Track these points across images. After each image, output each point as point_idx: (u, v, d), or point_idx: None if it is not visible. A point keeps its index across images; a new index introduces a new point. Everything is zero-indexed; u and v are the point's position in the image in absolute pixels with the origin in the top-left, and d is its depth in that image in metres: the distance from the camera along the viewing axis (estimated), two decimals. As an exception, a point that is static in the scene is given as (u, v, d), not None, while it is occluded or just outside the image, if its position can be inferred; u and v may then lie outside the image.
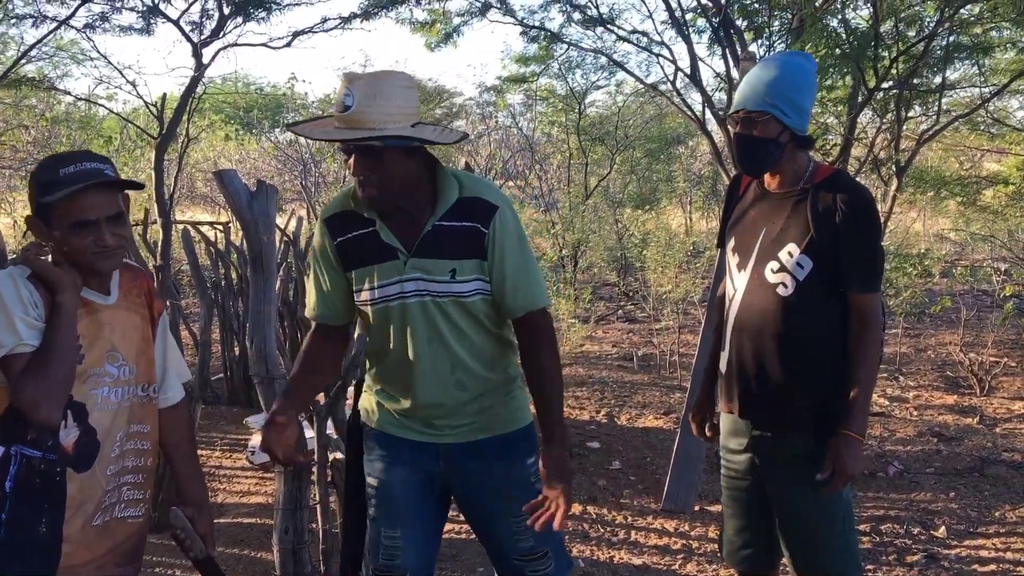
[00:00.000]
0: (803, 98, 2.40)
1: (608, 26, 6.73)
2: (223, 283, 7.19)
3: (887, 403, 6.70)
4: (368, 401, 2.47)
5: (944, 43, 5.35)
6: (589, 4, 6.64)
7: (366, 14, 7.94)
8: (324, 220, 2.33)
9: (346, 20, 8.76)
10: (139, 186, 2.09)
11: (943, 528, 4.33)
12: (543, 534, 2.29)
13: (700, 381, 2.89)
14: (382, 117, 2.09)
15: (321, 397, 3.56)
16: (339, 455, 3.45)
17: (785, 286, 2.40)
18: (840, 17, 5.48)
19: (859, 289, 2.37)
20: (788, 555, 2.54)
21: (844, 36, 5.16)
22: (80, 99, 12.42)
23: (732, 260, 2.57)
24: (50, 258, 1.92)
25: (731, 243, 2.59)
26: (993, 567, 3.92)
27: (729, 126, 2.49)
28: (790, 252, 2.39)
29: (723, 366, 2.61)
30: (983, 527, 4.37)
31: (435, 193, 2.24)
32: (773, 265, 2.42)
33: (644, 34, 6.74)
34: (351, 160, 2.14)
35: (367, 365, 2.49)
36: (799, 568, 2.53)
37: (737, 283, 2.54)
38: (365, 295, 2.28)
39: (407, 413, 2.37)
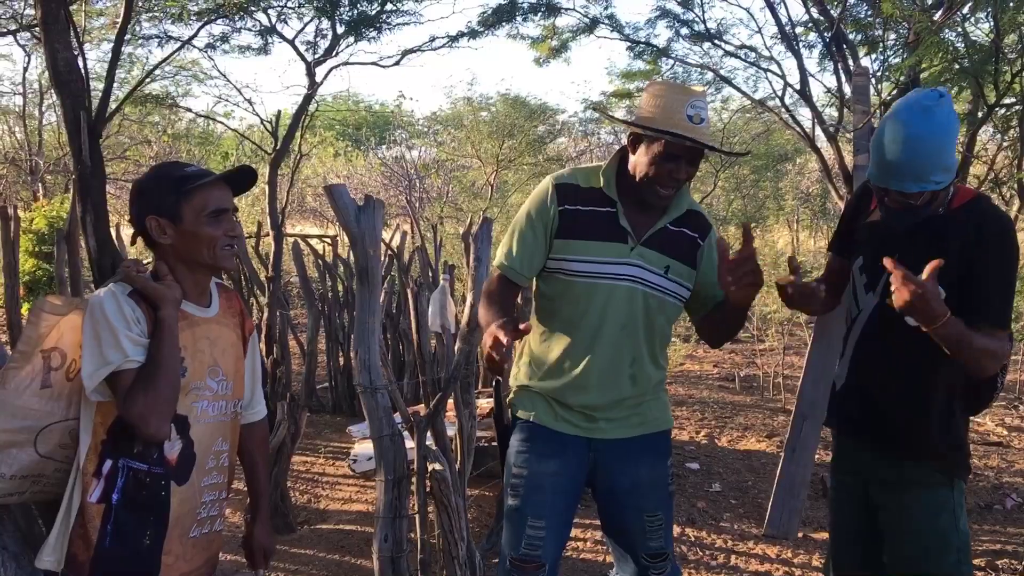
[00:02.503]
0: (952, 155, 2.23)
1: (715, 41, 6.65)
2: (330, 295, 7.38)
3: (1006, 433, 6.38)
4: (524, 391, 2.55)
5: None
6: (696, 19, 6.58)
7: (473, 32, 8.06)
8: (556, 184, 2.46)
9: (453, 39, 8.91)
10: (249, 174, 2.12)
11: (1067, 567, 4.09)
12: (669, 535, 2.50)
13: (814, 398, 2.78)
14: (710, 130, 2.38)
15: (421, 408, 3.61)
16: (438, 466, 3.49)
17: None
18: (959, 30, 5.28)
19: (987, 323, 2.22)
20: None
21: (963, 50, 4.97)
22: (200, 116, 12.98)
23: (860, 279, 2.49)
24: (147, 273, 1.97)
25: (859, 261, 2.50)
26: (1122, 611, 3.69)
27: (875, 191, 2.33)
28: None
29: (838, 380, 2.55)
30: (1112, 568, 4.11)
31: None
32: None
33: (752, 49, 6.63)
34: (673, 163, 2.33)
35: (531, 348, 2.54)
36: None
37: (863, 303, 2.47)
38: (578, 266, 2.41)
39: (569, 403, 2.46)
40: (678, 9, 6.59)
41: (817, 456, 4.40)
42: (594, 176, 2.47)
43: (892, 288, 2.15)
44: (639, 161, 2.38)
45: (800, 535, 4.49)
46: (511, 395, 2.61)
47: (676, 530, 4.57)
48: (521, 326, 2.22)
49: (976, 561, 4.15)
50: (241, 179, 2.07)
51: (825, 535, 4.41)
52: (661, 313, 2.45)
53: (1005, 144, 6.10)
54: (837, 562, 2.68)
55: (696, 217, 2.50)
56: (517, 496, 2.47)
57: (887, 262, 2.14)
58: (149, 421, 1.82)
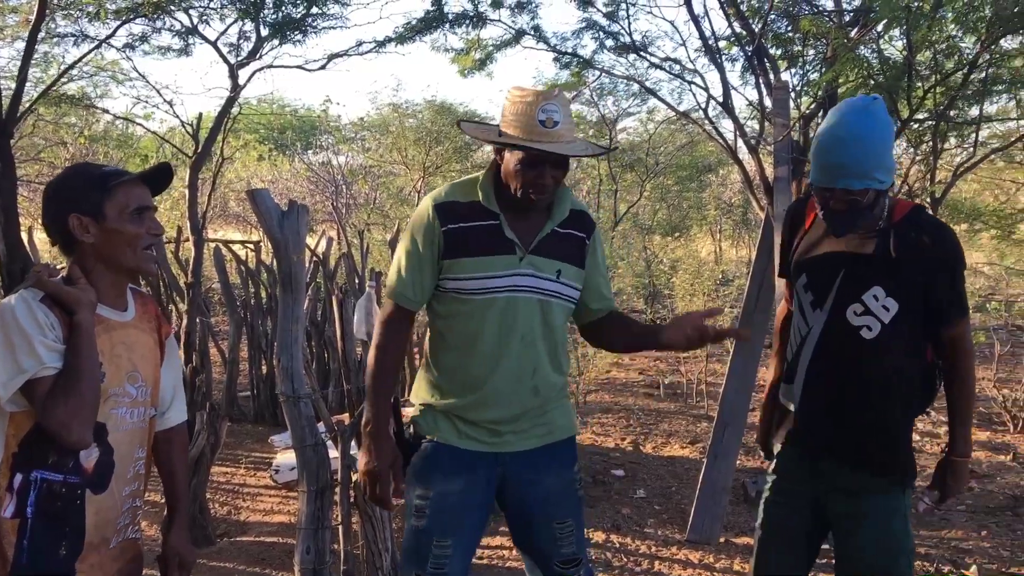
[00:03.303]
0: (891, 155, 2.32)
1: (641, 53, 6.73)
2: (252, 302, 7.25)
3: (919, 438, 6.59)
4: (427, 410, 2.50)
5: (983, 75, 5.29)
6: (622, 32, 6.65)
7: (400, 38, 8.01)
8: (436, 205, 2.40)
9: (381, 44, 8.83)
10: (168, 172, 2.09)
11: (974, 568, 4.23)
12: (580, 542, 2.49)
13: (735, 405, 2.83)
14: (571, 131, 2.33)
15: (346, 417, 3.56)
16: (362, 476, 3.44)
17: (870, 329, 2.34)
18: (874, 47, 5.45)
19: (954, 318, 2.35)
20: None
21: (878, 66, 5.13)
22: (118, 118, 12.62)
23: (805, 297, 2.49)
24: (60, 278, 1.91)
25: (802, 279, 2.51)
26: (1026, 609, 3.83)
27: (817, 197, 2.39)
28: (875, 295, 2.32)
29: (791, 401, 2.55)
30: (1016, 567, 4.27)
31: (552, 200, 2.42)
32: (856, 307, 2.35)
33: (677, 61, 6.72)
34: (536, 170, 2.30)
35: (430, 368, 2.50)
36: None
37: (812, 321, 2.46)
38: (471, 284, 2.36)
39: (472, 420, 2.43)
40: (603, 21, 6.64)
41: (739, 462, 4.47)
42: (472, 189, 2.42)
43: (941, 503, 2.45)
44: (506, 170, 2.35)
45: (722, 540, 4.56)
46: (413, 411, 2.56)
47: (601, 536, 4.60)
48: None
49: (890, 563, 4.27)
50: (159, 178, 2.04)
51: (747, 540, 4.49)
52: (558, 318, 2.44)
53: (918, 158, 6.31)
54: (765, 568, 2.68)
55: (581, 217, 2.49)
56: (423, 517, 2.43)
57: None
58: (71, 428, 1.76)
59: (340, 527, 3.53)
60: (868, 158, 2.24)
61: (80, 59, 8.75)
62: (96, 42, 8.50)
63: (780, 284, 2.69)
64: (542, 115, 2.26)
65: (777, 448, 2.65)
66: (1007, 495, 5.28)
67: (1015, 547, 4.51)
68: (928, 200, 5.25)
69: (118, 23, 8.24)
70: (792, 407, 2.55)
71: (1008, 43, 5.54)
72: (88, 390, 1.79)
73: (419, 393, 2.53)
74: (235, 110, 9.50)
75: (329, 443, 3.47)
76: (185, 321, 6.33)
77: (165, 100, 17.35)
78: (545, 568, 2.53)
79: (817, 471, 2.50)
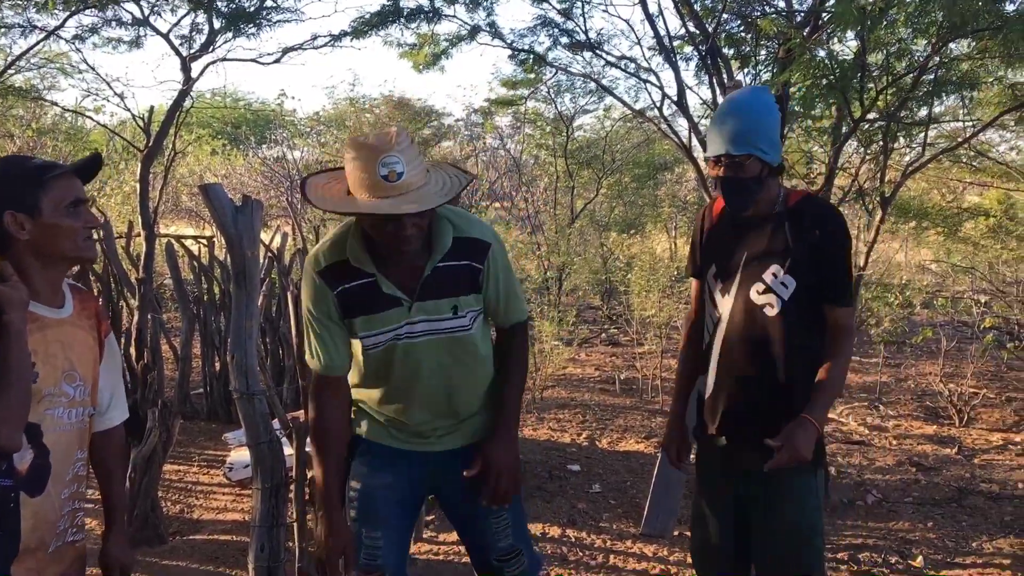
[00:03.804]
0: (775, 133, 2.49)
1: (596, 51, 6.76)
2: (205, 298, 7.15)
3: (867, 432, 6.72)
4: (358, 411, 2.55)
5: (933, 77, 5.40)
6: (577, 29, 6.67)
7: (356, 32, 7.94)
8: (318, 273, 2.35)
9: (336, 38, 8.75)
10: (99, 162, 2.03)
11: (920, 558, 4.33)
12: (518, 533, 2.53)
13: (671, 414, 2.90)
14: (420, 176, 2.16)
15: (301, 414, 3.54)
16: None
17: (772, 306, 2.49)
18: (827, 48, 5.53)
19: (838, 303, 2.49)
20: (757, 570, 2.57)
21: (830, 66, 5.21)
22: (67, 111, 12.38)
23: (715, 286, 2.63)
24: None
25: (711, 270, 2.65)
26: (970, 598, 3.93)
27: (708, 169, 2.55)
28: (774, 273, 2.48)
29: (707, 389, 2.65)
30: (960, 557, 4.38)
31: (430, 236, 2.30)
32: (758, 287, 2.51)
33: (632, 60, 6.78)
34: (393, 225, 2.16)
35: (355, 381, 2.53)
36: None
37: (722, 307, 2.60)
38: (369, 340, 2.36)
39: (398, 427, 2.48)
40: (559, 18, 6.66)
41: (693, 456, 4.51)
42: (339, 250, 2.34)
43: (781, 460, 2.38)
44: (365, 226, 2.27)
45: (676, 533, 4.60)
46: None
47: (556, 531, 4.62)
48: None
49: (839, 555, 4.35)
50: (91, 168, 1.99)
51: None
52: (465, 347, 2.41)
53: (868, 157, 6.42)
54: (705, 561, 2.77)
55: (467, 243, 2.34)
56: (353, 509, 2.49)
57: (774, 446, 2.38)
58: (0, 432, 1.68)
59: (295, 524, 3.50)
60: (747, 124, 2.43)
61: (28, 50, 8.56)
62: (44, 33, 8.32)
63: (693, 288, 2.78)
64: (383, 170, 2.11)
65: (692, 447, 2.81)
66: (952, 487, 5.40)
67: (960, 538, 4.62)
68: (878, 199, 5.34)
69: (67, 14, 8.07)
70: (705, 395, 2.66)
71: (957, 47, 5.67)
72: (16, 392, 1.71)
73: (354, 392, 2.56)
74: (187, 104, 9.37)
75: (284, 440, 3.45)
76: (136, 317, 6.23)
77: (116, 93, 17.06)
78: (485, 563, 2.57)
79: (730, 458, 2.61)
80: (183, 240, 7.91)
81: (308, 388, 2.49)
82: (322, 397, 2.43)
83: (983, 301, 9.76)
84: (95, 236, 1.97)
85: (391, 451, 2.50)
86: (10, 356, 1.72)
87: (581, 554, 4.37)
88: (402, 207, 2.11)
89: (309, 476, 3.45)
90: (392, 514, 2.50)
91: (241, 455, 4.80)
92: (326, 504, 2.39)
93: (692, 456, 2.88)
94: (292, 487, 3.42)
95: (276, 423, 3.41)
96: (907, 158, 7.20)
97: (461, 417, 2.49)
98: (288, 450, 3.47)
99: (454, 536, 4.46)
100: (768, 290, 2.49)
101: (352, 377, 2.52)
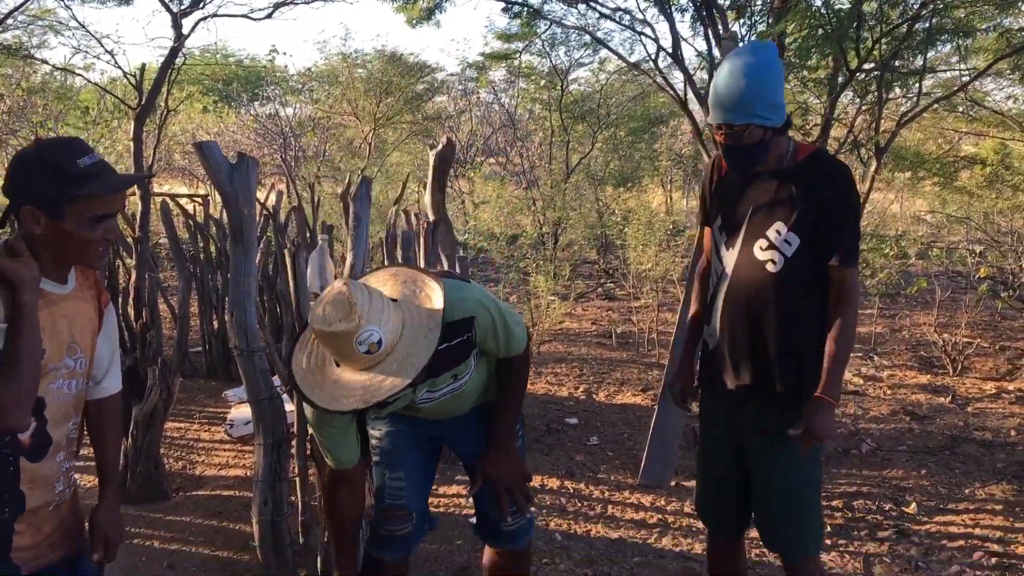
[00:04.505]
0: (777, 94, 2.44)
1: (591, 3, 6.69)
2: (202, 256, 7.15)
3: (861, 382, 6.78)
4: None
5: (927, 25, 5.36)
6: (572, -20, 6.60)
7: (349, -14, 7.83)
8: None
9: (328, -8, 8.66)
10: (149, 179, 2.01)
11: (914, 505, 4.40)
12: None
13: (681, 354, 2.92)
14: (395, 326, 2.13)
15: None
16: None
17: (774, 263, 2.48)
18: (823, -3, 5.49)
19: (842, 263, 2.44)
20: (756, 519, 2.62)
21: (827, 16, 5.17)
22: (57, 68, 12.25)
23: (720, 238, 2.63)
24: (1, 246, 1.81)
25: (717, 222, 2.64)
26: (962, 543, 4.00)
27: (715, 134, 2.52)
28: (778, 230, 2.47)
29: (710, 340, 2.67)
30: (953, 504, 4.45)
31: None
32: (762, 243, 2.50)
33: (627, 12, 6.72)
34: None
35: None
36: (765, 533, 2.64)
37: (726, 261, 2.59)
38: (377, 423, 2.66)
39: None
40: (555, -31, 6.60)
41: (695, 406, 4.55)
42: None
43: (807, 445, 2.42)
44: None
45: (673, 484, 4.67)
46: None
47: (555, 483, 4.68)
48: None
49: (834, 503, 4.42)
50: (137, 183, 1.98)
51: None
52: (466, 394, 2.53)
53: (864, 108, 6.40)
54: (710, 510, 2.83)
55: (457, 325, 2.33)
56: (376, 454, 2.66)
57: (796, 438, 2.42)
58: (9, 414, 1.67)
59: (297, 479, 3.54)
60: (746, 92, 2.38)
61: (16, 8, 8.46)
62: (32, -11, 8.21)
63: (705, 236, 2.77)
64: (362, 348, 2.08)
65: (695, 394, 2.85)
66: (946, 435, 5.47)
67: (953, 485, 4.69)
68: (873, 149, 5.34)
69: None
70: (710, 346, 2.68)
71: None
72: (28, 374, 1.70)
73: None
74: (179, 61, 9.27)
75: (284, 396, 3.48)
76: (133, 277, 6.23)
77: (106, 50, 16.86)
78: (484, 516, 2.71)
79: (732, 410, 2.64)
80: (178, 199, 7.88)
81: (326, 486, 2.63)
82: (337, 491, 2.55)
83: (978, 251, 9.78)
84: (108, 249, 1.93)
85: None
86: (22, 339, 1.70)
87: (579, 505, 4.44)
88: (401, 380, 2.10)
89: (310, 432, 3.49)
90: (412, 457, 2.64)
91: (241, 412, 4.84)
92: (341, 564, 2.60)
93: (695, 406, 2.90)
94: (293, 443, 3.45)
95: (276, 380, 3.44)
96: (902, 108, 7.17)
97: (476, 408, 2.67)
98: (289, 406, 3.49)
99: (454, 489, 4.53)
100: (771, 247, 2.48)
101: None
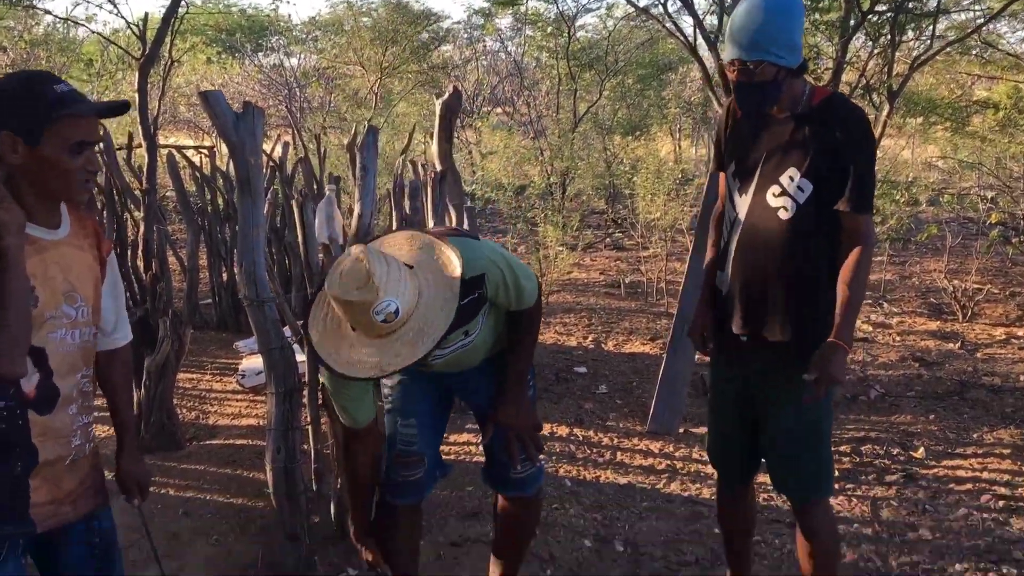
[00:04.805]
0: (795, 34, 2.40)
1: (599, -54, 6.57)
2: (209, 208, 7.14)
3: (871, 329, 6.78)
4: None
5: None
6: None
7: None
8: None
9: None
10: (125, 109, 1.99)
11: (922, 449, 4.42)
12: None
13: (699, 300, 2.90)
14: (411, 295, 2.13)
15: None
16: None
17: (786, 209, 2.45)
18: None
19: (856, 209, 2.41)
20: (767, 464, 2.63)
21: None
22: (60, 19, 12.14)
23: (733, 184, 2.60)
24: None
25: (731, 168, 2.62)
26: (969, 486, 4.03)
27: (727, 72, 2.48)
28: (791, 176, 2.44)
29: (723, 286, 2.66)
30: (961, 448, 4.47)
31: None
32: (775, 189, 2.47)
33: (636, -45, 6.60)
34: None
35: None
36: (776, 478, 2.66)
37: (739, 207, 2.57)
38: (388, 381, 2.66)
39: None
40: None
41: (697, 356, 4.57)
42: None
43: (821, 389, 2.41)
44: None
45: (681, 431, 4.70)
46: None
47: (564, 431, 4.72)
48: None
49: (842, 448, 4.45)
50: (115, 112, 1.92)
51: (705, 430, 4.63)
52: (483, 343, 2.53)
53: (876, 52, 6.30)
54: (719, 459, 2.85)
55: (471, 282, 2.30)
56: (388, 402, 2.69)
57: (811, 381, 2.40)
58: (2, 361, 1.62)
59: (310, 427, 3.58)
60: (762, 29, 2.34)
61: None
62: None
63: (720, 181, 2.74)
64: (379, 317, 2.07)
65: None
66: (954, 381, 5.48)
67: (961, 430, 4.71)
68: (885, 93, 5.26)
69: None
70: (723, 293, 2.67)
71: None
72: (17, 320, 1.65)
73: None
74: (181, 10, 9.17)
75: (296, 347, 3.50)
76: (142, 229, 6.24)
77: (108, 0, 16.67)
78: (493, 461, 2.71)
79: (741, 358, 2.64)
80: (184, 150, 7.85)
81: (341, 441, 2.70)
82: (351, 448, 2.58)
83: (989, 197, 9.70)
84: (91, 182, 1.89)
85: None
86: (8, 283, 1.65)
87: (589, 452, 4.47)
88: (417, 350, 2.11)
89: (321, 381, 3.51)
90: (424, 404, 2.66)
91: (253, 363, 4.87)
92: (356, 520, 2.67)
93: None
94: (305, 392, 3.48)
95: (287, 330, 3.45)
96: (915, 52, 7.06)
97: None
98: (300, 356, 3.51)
99: (464, 437, 4.57)
100: (784, 193, 2.45)
101: None
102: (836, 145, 2.38)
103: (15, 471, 1.81)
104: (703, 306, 2.84)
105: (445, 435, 4.52)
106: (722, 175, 2.72)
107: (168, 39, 8.78)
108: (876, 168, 2.51)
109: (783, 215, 2.46)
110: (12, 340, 1.64)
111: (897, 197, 7.93)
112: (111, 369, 2.18)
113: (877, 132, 5.95)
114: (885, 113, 5.49)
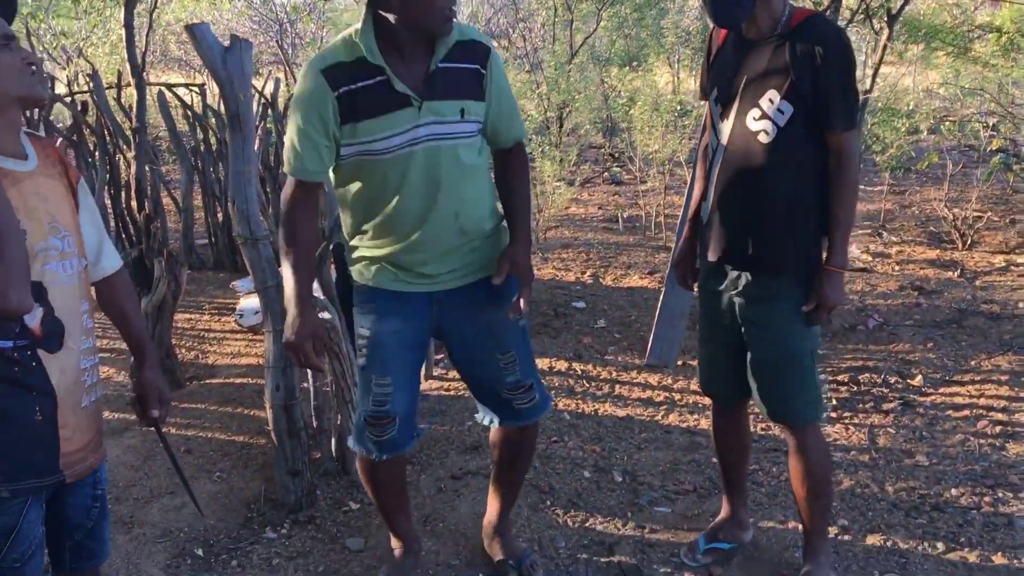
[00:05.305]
0: None
1: None
2: (202, 148, 7.07)
3: (870, 259, 6.76)
4: (358, 258, 2.53)
5: None
6: None
7: None
8: (321, 71, 2.29)
9: None
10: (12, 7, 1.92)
11: (920, 377, 4.44)
12: (526, 368, 2.59)
13: (683, 234, 2.92)
14: None
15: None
16: (326, 315, 3.48)
17: (767, 133, 2.44)
18: None
19: (839, 128, 2.40)
20: (755, 389, 2.65)
21: None
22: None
23: (715, 110, 2.60)
24: None
25: (713, 93, 2.60)
26: (966, 412, 4.05)
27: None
28: (771, 99, 2.42)
29: (706, 214, 2.65)
30: (959, 375, 4.49)
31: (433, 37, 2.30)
32: (755, 113, 2.45)
33: None
34: None
35: (351, 224, 2.50)
36: (764, 404, 2.66)
37: (721, 133, 2.57)
38: (376, 145, 2.30)
39: (403, 265, 2.45)
40: None
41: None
42: (353, 47, 2.30)
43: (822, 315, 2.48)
44: (412, 5, 2.22)
45: (679, 363, 4.71)
46: (350, 262, 2.58)
47: (563, 365, 4.73)
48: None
49: (840, 377, 4.47)
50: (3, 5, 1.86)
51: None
52: (470, 157, 2.40)
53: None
54: (709, 381, 2.90)
55: (470, 46, 2.35)
56: (362, 356, 2.52)
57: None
58: (8, 294, 1.57)
59: (307, 365, 3.58)
60: None
61: None
62: None
63: (706, 109, 2.71)
64: None
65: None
66: (953, 309, 5.48)
67: (959, 358, 4.72)
68: (885, 16, 5.16)
69: None
70: (704, 221, 2.67)
71: None
72: (14, 250, 1.59)
73: (349, 240, 2.54)
74: (167, -56, 8.95)
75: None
76: (134, 168, 6.18)
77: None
78: (495, 397, 2.63)
79: (728, 279, 2.63)
80: (174, 88, 7.72)
81: (283, 200, 2.43)
82: (297, 209, 2.39)
83: (991, 124, 9.59)
84: (37, 73, 1.85)
85: (394, 295, 2.48)
86: None
87: (587, 385, 4.49)
88: None
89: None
90: (401, 358, 2.51)
91: (251, 302, 4.86)
92: (296, 297, 2.35)
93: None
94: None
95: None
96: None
97: (466, 239, 2.46)
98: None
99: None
100: (764, 116, 2.43)
101: (350, 219, 2.50)
102: (816, 65, 2.35)
103: (35, 418, 1.80)
104: (685, 242, 2.85)
105: (444, 371, 4.55)
106: (707, 104, 2.69)
107: (154, -27, 8.58)
108: (875, 94, 2.48)
109: (763, 138, 2.44)
110: (15, 271, 1.59)
111: (897, 125, 7.84)
112: (111, 294, 2.13)
113: (876, 57, 5.85)
114: (885, 37, 5.38)
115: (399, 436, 2.55)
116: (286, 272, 2.39)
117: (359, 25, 2.30)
